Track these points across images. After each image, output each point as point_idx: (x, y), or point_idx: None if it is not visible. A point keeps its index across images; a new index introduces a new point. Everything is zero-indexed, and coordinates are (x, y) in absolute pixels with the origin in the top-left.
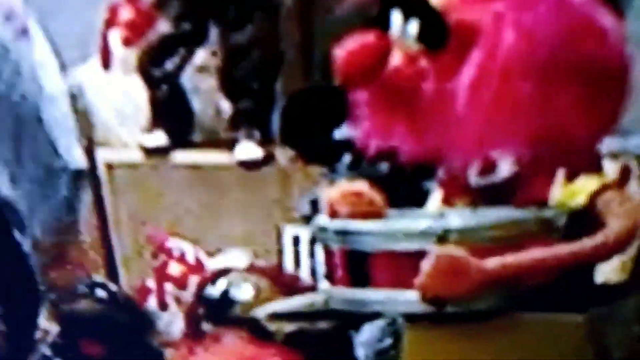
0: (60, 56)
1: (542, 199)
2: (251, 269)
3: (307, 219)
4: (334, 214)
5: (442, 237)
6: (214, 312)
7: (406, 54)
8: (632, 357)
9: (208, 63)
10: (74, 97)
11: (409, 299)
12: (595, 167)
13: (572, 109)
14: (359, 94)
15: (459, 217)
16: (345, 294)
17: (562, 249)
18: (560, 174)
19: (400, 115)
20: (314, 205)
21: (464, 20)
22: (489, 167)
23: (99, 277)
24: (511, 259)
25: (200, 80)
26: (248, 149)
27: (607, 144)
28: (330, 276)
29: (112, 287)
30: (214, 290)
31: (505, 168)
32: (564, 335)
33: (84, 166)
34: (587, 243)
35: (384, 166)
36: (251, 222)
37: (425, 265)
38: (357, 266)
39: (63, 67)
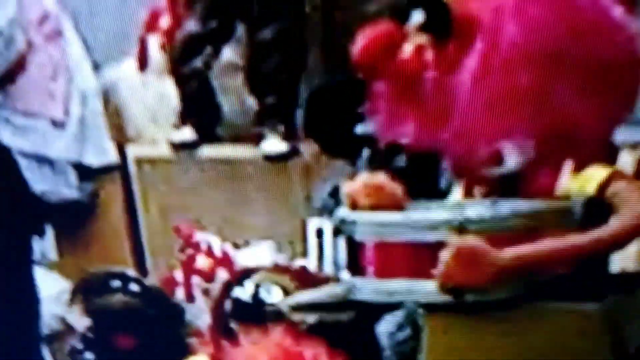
0: (93, 56)
1: (549, 190)
2: (277, 268)
3: (326, 211)
4: (354, 206)
5: (462, 228)
6: (244, 313)
7: (416, 45)
8: None
9: (235, 60)
10: (108, 95)
11: (429, 289)
12: (605, 157)
13: (577, 101)
14: (375, 85)
15: (477, 208)
16: (369, 285)
17: (579, 238)
18: (569, 164)
19: (409, 106)
20: (334, 196)
21: (467, 12)
22: (496, 159)
23: (130, 270)
24: (529, 248)
25: (228, 77)
26: (273, 144)
27: (626, 135)
28: (352, 267)
29: (145, 281)
30: (243, 293)
31: (513, 160)
32: (581, 325)
33: (115, 161)
34: (602, 232)
35: (401, 160)
36: (276, 214)
37: (445, 255)
38: (379, 256)
39: (96, 67)
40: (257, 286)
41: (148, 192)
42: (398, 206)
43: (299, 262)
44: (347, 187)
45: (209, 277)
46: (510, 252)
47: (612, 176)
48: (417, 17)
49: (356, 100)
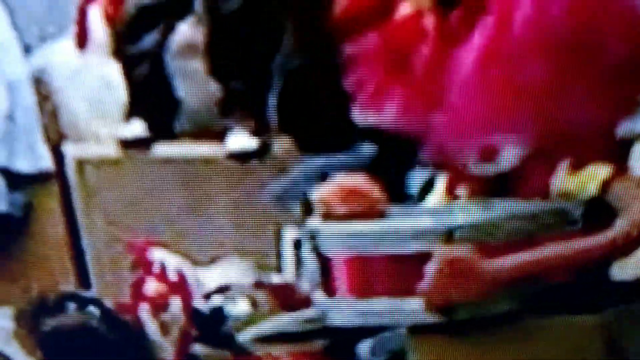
0: (23, 36)
1: (544, 189)
2: (258, 286)
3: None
4: (327, 214)
5: (449, 236)
6: (204, 330)
7: (416, 8)
8: None
9: (194, 39)
10: (40, 84)
11: (414, 308)
12: (607, 153)
13: (587, 96)
14: (361, 47)
15: (465, 212)
16: (345, 306)
17: (579, 243)
18: (565, 162)
19: (398, 80)
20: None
21: None
22: (488, 154)
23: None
24: (525, 256)
25: (186, 59)
26: (240, 139)
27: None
28: (326, 286)
29: (106, 303)
30: (205, 307)
31: (509, 157)
32: (577, 340)
33: (49, 167)
34: (606, 236)
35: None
36: (244, 224)
37: (429, 269)
38: (356, 273)
39: (27, 50)
40: (226, 300)
41: (91, 201)
42: (377, 212)
43: (275, 279)
44: (319, 193)
45: (159, 305)
46: (504, 262)
47: (615, 174)
48: None
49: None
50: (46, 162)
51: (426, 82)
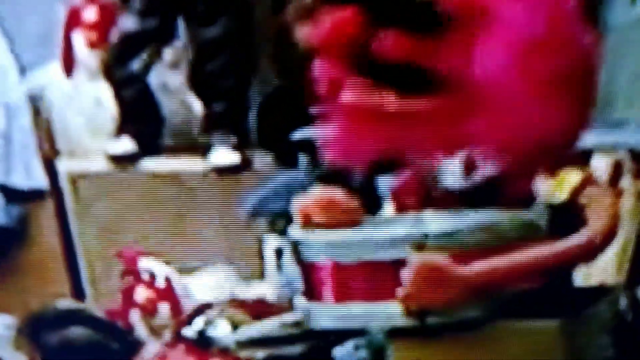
0: (20, 59)
1: (527, 196)
2: (232, 303)
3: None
4: (307, 224)
5: (422, 244)
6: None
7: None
8: None
9: (179, 58)
10: (35, 103)
11: (391, 312)
12: (576, 160)
13: (548, 108)
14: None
15: (437, 222)
16: (325, 310)
17: (546, 250)
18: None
19: (370, 115)
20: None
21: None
22: (469, 168)
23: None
24: (495, 263)
25: (171, 78)
26: (223, 154)
27: (598, 139)
28: (308, 291)
29: (97, 313)
30: (190, 331)
31: (485, 170)
32: (539, 343)
33: (43, 186)
34: (570, 243)
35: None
36: (229, 233)
37: (405, 275)
38: (335, 278)
39: (23, 71)
40: (206, 322)
41: (84, 213)
42: (354, 222)
43: (255, 289)
44: (299, 203)
45: (148, 310)
46: (475, 268)
47: (585, 181)
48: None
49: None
50: (40, 180)
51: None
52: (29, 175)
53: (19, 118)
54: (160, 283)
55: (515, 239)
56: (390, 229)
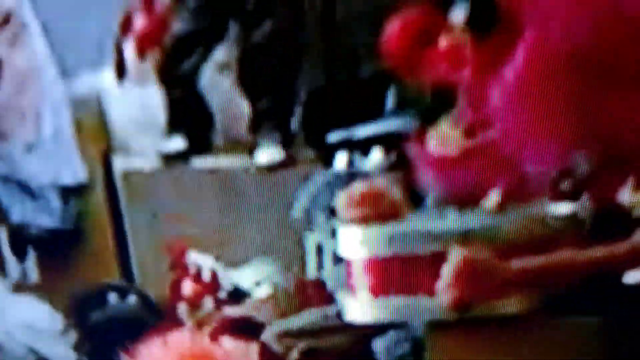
0: (63, 63)
1: (611, 199)
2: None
3: (311, 223)
4: (351, 218)
5: (464, 238)
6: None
7: (451, 42)
8: None
9: (229, 58)
10: (91, 105)
11: (431, 305)
12: None
13: (626, 113)
14: None
15: (479, 217)
16: (366, 304)
17: (593, 251)
18: (630, 179)
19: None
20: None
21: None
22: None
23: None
24: (537, 261)
25: (221, 79)
26: (268, 152)
27: None
28: (348, 286)
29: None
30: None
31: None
32: (585, 340)
33: (84, 179)
34: (619, 247)
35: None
36: (273, 229)
37: (447, 269)
38: (375, 274)
39: (65, 74)
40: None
41: (136, 207)
42: (398, 215)
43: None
44: (342, 198)
45: (194, 303)
46: (517, 264)
47: None
48: (459, 10)
49: (360, 101)
50: (84, 176)
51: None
52: (75, 171)
53: (64, 119)
54: (206, 276)
55: (559, 236)
56: (433, 224)
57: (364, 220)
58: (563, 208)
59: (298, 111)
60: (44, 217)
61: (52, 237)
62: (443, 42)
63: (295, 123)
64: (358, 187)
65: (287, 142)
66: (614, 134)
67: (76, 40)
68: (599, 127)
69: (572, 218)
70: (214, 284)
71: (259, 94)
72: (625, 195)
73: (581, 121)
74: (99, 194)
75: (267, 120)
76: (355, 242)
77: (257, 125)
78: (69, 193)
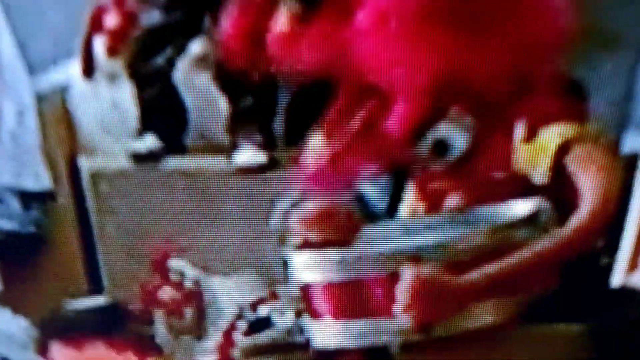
0: (30, 58)
1: (507, 161)
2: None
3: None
4: (302, 242)
5: (415, 256)
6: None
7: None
8: None
9: (205, 54)
10: (56, 102)
11: (391, 328)
12: (567, 114)
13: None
14: None
15: (433, 231)
16: (327, 329)
17: (543, 244)
18: (520, 126)
19: None
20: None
21: None
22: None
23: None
24: (492, 268)
25: (196, 75)
26: (249, 154)
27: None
28: (307, 310)
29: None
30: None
31: (459, 141)
32: (564, 348)
33: (48, 186)
34: (564, 231)
35: None
36: (253, 237)
37: (400, 290)
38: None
39: (32, 70)
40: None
41: (105, 212)
42: (354, 232)
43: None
44: (299, 217)
45: (173, 311)
46: (471, 276)
47: (568, 141)
48: None
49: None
50: (48, 183)
51: None
52: (39, 177)
53: (27, 118)
54: (189, 285)
55: (515, 241)
56: (382, 243)
57: (315, 245)
58: (519, 208)
59: (281, 111)
60: (3, 220)
61: (15, 243)
62: (281, 20)
63: (277, 123)
64: (313, 206)
65: (268, 144)
66: (474, 79)
67: (41, 35)
68: (459, 74)
69: (533, 220)
70: (196, 294)
71: (240, 91)
72: (520, 156)
73: (440, 68)
74: (65, 198)
75: (247, 119)
76: (308, 267)
77: (236, 124)
78: (30, 198)
